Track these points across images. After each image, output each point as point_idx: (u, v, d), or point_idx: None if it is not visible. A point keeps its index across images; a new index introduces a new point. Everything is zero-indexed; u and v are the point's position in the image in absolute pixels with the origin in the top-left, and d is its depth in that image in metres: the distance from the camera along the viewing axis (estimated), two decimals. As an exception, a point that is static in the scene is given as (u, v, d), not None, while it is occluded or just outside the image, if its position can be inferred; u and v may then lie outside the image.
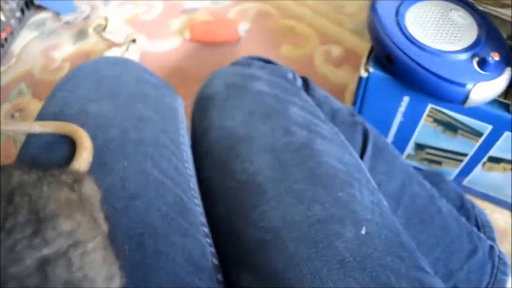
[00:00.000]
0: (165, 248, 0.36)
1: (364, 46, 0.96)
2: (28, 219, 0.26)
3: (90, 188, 0.33)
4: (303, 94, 0.53)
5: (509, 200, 0.68)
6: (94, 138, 0.41)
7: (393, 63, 0.54)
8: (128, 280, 0.33)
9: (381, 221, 0.38)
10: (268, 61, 0.57)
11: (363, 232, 0.37)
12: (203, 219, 0.43)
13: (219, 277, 0.40)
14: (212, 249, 0.41)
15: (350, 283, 0.34)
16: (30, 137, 0.43)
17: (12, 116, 0.87)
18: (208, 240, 0.41)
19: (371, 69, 0.57)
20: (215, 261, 0.40)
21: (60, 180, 0.31)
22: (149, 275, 0.34)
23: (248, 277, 0.38)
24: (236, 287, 0.39)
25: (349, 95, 0.87)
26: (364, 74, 0.58)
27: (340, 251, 0.35)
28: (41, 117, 0.46)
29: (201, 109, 0.51)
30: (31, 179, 0.29)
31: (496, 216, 0.71)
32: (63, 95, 0.46)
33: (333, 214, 0.38)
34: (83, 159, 0.38)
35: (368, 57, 0.59)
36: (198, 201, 0.44)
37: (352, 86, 0.88)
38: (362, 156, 0.52)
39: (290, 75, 0.55)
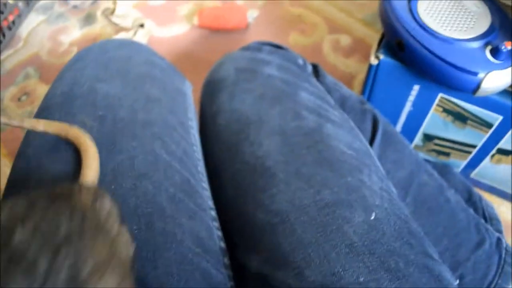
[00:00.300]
0: (173, 229, 0.36)
1: (373, 36, 0.95)
2: (67, 279, 0.23)
3: (108, 204, 0.31)
4: (313, 79, 0.53)
5: (516, 193, 0.68)
6: (103, 118, 0.41)
7: (405, 49, 0.53)
8: (136, 260, 0.33)
9: (390, 208, 0.38)
10: (278, 47, 0.56)
11: (372, 217, 0.36)
12: (210, 202, 0.43)
13: (226, 260, 0.39)
14: (219, 233, 0.41)
15: (358, 267, 0.33)
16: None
17: (19, 100, 0.87)
18: (215, 223, 0.41)
19: (381, 56, 0.57)
20: (222, 245, 0.40)
21: (98, 230, 0.27)
22: (157, 254, 0.34)
23: (256, 259, 0.38)
24: (243, 270, 0.39)
25: (357, 85, 0.86)
26: (374, 61, 0.58)
27: (348, 235, 0.35)
28: (49, 97, 0.45)
29: (210, 93, 0.51)
30: (78, 229, 0.26)
31: (503, 210, 0.70)
32: (72, 75, 0.46)
33: (342, 199, 0.37)
34: (92, 170, 0.36)
35: (378, 45, 0.58)
36: (205, 184, 0.44)
37: (361, 76, 0.87)
38: (371, 143, 0.51)
39: (300, 61, 0.55)
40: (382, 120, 0.54)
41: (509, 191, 0.68)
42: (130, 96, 0.44)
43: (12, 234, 0.23)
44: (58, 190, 0.29)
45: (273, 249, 0.36)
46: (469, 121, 0.59)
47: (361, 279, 0.33)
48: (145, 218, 0.35)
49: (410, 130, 0.66)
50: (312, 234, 0.35)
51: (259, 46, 0.55)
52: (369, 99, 0.63)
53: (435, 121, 0.62)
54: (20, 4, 0.97)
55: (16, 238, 0.23)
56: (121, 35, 0.95)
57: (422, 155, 0.69)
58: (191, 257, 0.35)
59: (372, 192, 0.38)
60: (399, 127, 0.66)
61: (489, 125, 0.58)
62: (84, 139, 0.38)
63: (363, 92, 0.63)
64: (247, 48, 0.56)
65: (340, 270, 0.33)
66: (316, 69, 0.56)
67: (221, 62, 0.54)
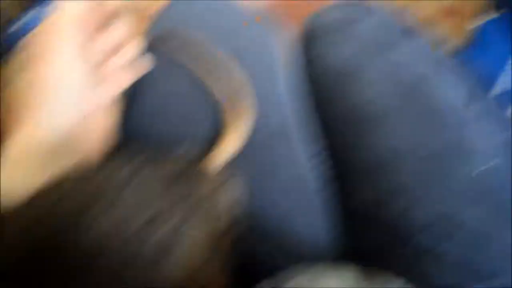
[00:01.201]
0: None
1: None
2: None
3: (230, 197, 0.27)
4: (413, 35, 0.52)
5: None
6: None
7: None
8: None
9: (499, 163, 0.38)
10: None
11: (480, 169, 0.37)
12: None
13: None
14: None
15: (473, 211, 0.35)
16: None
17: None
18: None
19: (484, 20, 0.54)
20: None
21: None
22: None
23: (370, 196, 0.40)
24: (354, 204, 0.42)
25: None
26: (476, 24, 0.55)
27: (456, 185, 0.36)
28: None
29: (312, 39, 0.51)
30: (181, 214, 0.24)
31: None
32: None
33: (447, 150, 0.38)
34: (231, 147, 0.30)
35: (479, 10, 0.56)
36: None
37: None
38: (473, 102, 0.50)
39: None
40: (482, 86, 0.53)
41: None
42: None
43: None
44: (178, 168, 0.26)
45: (388, 183, 0.39)
46: None
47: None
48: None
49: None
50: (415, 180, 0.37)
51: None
52: (470, 58, 0.61)
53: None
54: None
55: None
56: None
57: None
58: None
59: (481, 147, 0.39)
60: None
61: None
62: (245, 105, 0.31)
63: (463, 51, 0.61)
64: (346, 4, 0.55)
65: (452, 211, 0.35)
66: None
67: (322, 11, 0.54)
